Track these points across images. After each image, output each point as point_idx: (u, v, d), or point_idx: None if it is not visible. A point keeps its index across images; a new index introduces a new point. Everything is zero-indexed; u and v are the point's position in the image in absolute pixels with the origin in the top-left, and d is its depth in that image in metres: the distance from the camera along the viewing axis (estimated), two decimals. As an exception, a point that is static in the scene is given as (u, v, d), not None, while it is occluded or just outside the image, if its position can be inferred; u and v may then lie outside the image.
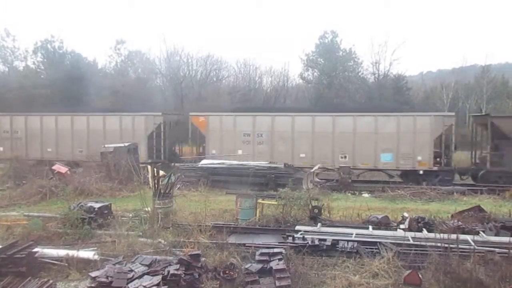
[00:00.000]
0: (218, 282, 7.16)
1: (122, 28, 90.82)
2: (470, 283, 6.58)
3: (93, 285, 6.84)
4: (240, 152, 19.22)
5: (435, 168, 19.34)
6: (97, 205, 10.85)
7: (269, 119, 21.25)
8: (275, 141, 20.95)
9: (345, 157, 20.22)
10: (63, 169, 18.04)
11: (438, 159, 19.73)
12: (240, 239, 9.48)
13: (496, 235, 9.36)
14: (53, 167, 18.17)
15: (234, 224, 10.82)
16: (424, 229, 9.73)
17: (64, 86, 40.84)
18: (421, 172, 19.37)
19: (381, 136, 19.85)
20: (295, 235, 9.27)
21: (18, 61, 47.57)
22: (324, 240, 8.90)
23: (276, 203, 11.62)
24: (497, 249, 7.97)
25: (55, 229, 9.95)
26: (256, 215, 11.36)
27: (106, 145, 19.12)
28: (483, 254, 7.66)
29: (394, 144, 19.69)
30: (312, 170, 18.41)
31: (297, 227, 10.01)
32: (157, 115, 23.02)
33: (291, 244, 8.71)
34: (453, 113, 20.91)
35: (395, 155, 19.69)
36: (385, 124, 19.88)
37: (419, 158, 19.42)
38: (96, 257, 8.08)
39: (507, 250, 7.58)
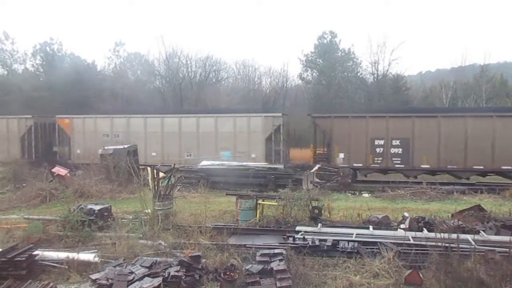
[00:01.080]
0: (218, 283, 7.15)
1: (121, 30, 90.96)
2: (471, 282, 6.58)
3: (93, 287, 6.84)
4: (100, 151, 19.70)
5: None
6: (97, 207, 10.85)
7: (125, 121, 23.37)
8: (130, 141, 21.84)
9: (190, 155, 22.13)
10: (63, 171, 18.03)
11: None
12: (241, 240, 9.48)
13: (496, 234, 9.36)
14: (53, 170, 18.16)
15: (234, 225, 10.82)
16: (424, 228, 9.73)
17: (64, 88, 40.87)
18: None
19: (221, 135, 21.69)
20: (296, 236, 9.27)
21: (17, 64, 47.73)
22: (325, 240, 8.90)
23: (276, 204, 11.62)
24: (497, 248, 7.97)
25: (55, 231, 9.95)
26: (256, 216, 11.36)
27: (105, 147, 19.11)
28: (483, 253, 7.67)
29: (231, 143, 21.49)
30: (312, 171, 18.42)
31: (298, 228, 10.01)
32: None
33: (292, 245, 8.71)
34: (280, 114, 22.10)
35: (233, 152, 21.37)
36: (224, 124, 21.70)
37: (253, 155, 21.14)
38: (96, 259, 8.07)
39: (508, 249, 7.58)
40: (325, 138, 21.06)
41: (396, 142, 19.57)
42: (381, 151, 19.66)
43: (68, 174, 17.92)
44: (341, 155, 19.91)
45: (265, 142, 21.33)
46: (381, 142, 19.62)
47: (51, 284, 7.16)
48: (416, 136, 19.32)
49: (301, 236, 9.20)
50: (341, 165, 19.39)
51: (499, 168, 18.69)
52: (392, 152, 19.61)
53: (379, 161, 19.74)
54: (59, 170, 18.09)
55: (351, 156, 19.82)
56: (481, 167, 18.83)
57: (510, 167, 18.51)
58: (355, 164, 19.81)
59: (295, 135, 26.44)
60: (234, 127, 21.62)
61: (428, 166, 19.29)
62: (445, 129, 19.05)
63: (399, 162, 19.59)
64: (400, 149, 19.52)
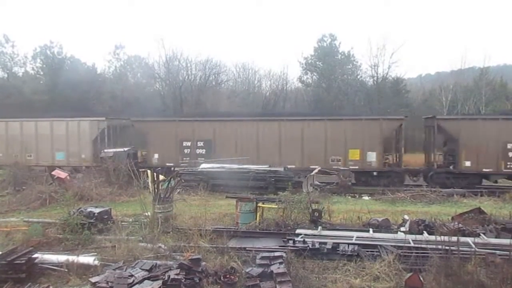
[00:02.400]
0: (219, 286, 7.14)
1: (121, 33, 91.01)
2: (472, 285, 6.57)
3: (93, 290, 6.83)
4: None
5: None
6: (97, 210, 10.84)
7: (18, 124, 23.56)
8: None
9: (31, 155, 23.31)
10: (63, 174, 18.01)
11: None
12: (241, 243, 9.47)
13: (496, 237, 9.36)
14: (53, 172, 18.15)
15: (234, 228, 10.80)
16: (424, 231, 9.72)
17: (64, 91, 40.89)
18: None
19: (56, 138, 22.70)
20: (296, 239, 9.26)
21: (17, 67, 47.68)
22: (325, 243, 8.89)
23: (276, 206, 11.61)
24: (497, 251, 7.97)
25: (55, 234, 9.93)
26: (256, 218, 11.35)
27: (105, 150, 19.12)
28: (484, 256, 7.66)
29: (64, 145, 22.63)
30: (311, 173, 18.41)
31: (298, 231, 10.00)
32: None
33: (292, 248, 8.69)
34: (103, 118, 23.15)
35: (66, 153, 22.64)
36: (59, 127, 22.75)
37: (83, 156, 22.40)
38: (96, 262, 8.06)
39: (508, 252, 7.58)
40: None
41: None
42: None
43: (68, 177, 17.90)
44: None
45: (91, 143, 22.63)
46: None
47: (51, 287, 7.15)
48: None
49: (301, 239, 9.19)
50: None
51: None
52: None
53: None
54: (59, 173, 18.08)
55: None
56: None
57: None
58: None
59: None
60: (66, 130, 22.84)
61: None
62: None
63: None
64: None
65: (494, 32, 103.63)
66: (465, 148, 19.58)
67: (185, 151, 21.68)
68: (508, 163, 19.25)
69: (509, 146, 19.27)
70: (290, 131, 20.90)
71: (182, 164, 21.12)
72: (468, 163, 19.56)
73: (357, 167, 20.19)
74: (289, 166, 19.55)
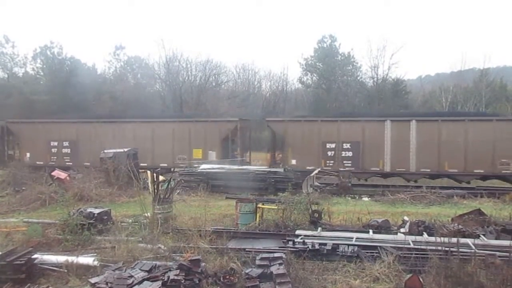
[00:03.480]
0: (218, 287, 7.13)
1: (121, 34, 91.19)
2: (471, 286, 6.57)
3: (92, 291, 6.82)
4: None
5: None
6: (96, 211, 10.82)
7: None
8: None
9: None
10: (63, 174, 18.00)
11: None
12: (240, 244, 9.46)
13: (496, 238, 9.34)
14: (53, 173, 18.14)
15: (234, 229, 10.79)
16: (424, 232, 9.71)
17: (64, 92, 40.93)
18: None
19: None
20: (296, 240, 9.26)
21: (17, 67, 47.75)
22: (325, 244, 8.88)
23: (276, 207, 11.60)
24: (497, 253, 7.96)
25: (54, 235, 9.91)
26: (256, 219, 11.34)
27: (105, 151, 19.10)
28: (484, 257, 7.65)
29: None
30: (312, 174, 18.41)
31: (297, 232, 9.99)
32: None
33: (292, 249, 8.69)
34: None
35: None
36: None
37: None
38: (95, 263, 8.05)
39: (508, 254, 7.57)
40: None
41: None
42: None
43: (67, 178, 17.89)
44: None
45: None
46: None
47: (50, 287, 7.14)
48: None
49: (301, 240, 9.19)
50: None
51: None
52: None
53: None
54: (59, 173, 18.07)
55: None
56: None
57: None
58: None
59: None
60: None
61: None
62: None
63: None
64: None
65: (494, 34, 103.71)
66: (290, 147, 21.22)
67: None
68: (328, 162, 21.00)
69: (328, 146, 20.93)
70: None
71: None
72: (294, 161, 21.05)
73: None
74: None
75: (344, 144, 20.89)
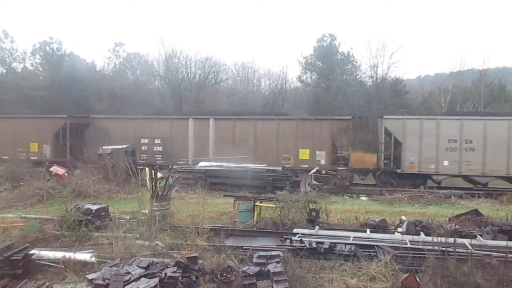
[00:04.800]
0: (215, 284, 7.14)
1: (121, 30, 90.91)
2: (468, 286, 6.59)
3: (89, 287, 6.82)
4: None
5: None
6: (94, 207, 10.82)
7: None
8: None
9: None
10: (61, 170, 17.97)
11: None
12: (238, 242, 9.47)
13: (493, 239, 9.37)
14: (51, 169, 18.11)
15: (231, 227, 10.81)
16: (421, 232, 9.74)
17: (63, 88, 40.84)
18: None
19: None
20: (293, 238, 9.27)
21: (16, 63, 47.56)
22: (322, 243, 8.90)
23: (274, 205, 11.61)
24: (494, 253, 7.99)
25: (52, 231, 9.91)
26: (253, 217, 11.35)
27: (103, 147, 19.09)
28: (480, 258, 7.68)
29: None
30: (310, 173, 18.43)
31: (295, 230, 10.00)
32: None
33: (289, 247, 8.70)
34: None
35: None
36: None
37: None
38: (93, 259, 8.05)
39: (504, 254, 7.60)
40: None
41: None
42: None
43: (65, 174, 17.87)
44: None
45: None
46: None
47: (47, 283, 7.15)
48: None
49: (299, 239, 9.20)
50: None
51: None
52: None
53: None
54: (57, 169, 18.05)
55: None
56: None
57: None
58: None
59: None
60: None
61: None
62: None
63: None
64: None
65: (493, 35, 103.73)
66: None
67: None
68: (142, 155, 22.36)
69: (142, 141, 22.59)
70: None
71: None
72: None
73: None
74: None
75: (156, 140, 22.66)
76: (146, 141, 22.67)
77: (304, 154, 20.96)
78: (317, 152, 20.79)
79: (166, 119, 23.07)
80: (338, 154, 21.51)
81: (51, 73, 43.47)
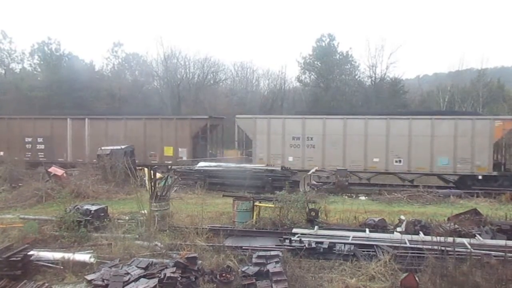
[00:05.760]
0: (214, 285, 7.14)
1: (119, 31, 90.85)
2: (467, 286, 6.59)
3: (89, 288, 6.82)
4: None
5: None
6: (93, 208, 10.81)
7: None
8: None
9: None
10: (60, 171, 17.96)
11: None
12: (237, 242, 9.47)
13: (492, 238, 9.38)
14: (49, 170, 18.10)
15: (231, 227, 10.80)
16: (420, 232, 9.75)
17: (61, 88, 40.77)
18: None
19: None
20: (292, 238, 9.28)
21: (14, 63, 47.51)
22: (321, 243, 8.90)
23: (273, 205, 11.61)
24: (493, 252, 8.00)
25: (51, 232, 9.91)
26: (253, 218, 11.35)
27: (102, 148, 19.08)
28: (479, 257, 7.68)
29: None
30: (309, 173, 18.42)
31: (294, 230, 10.01)
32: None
33: (288, 247, 8.71)
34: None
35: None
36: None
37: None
38: (92, 260, 8.05)
39: (504, 253, 7.61)
40: None
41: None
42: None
43: (64, 174, 17.85)
44: None
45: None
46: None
47: (46, 284, 7.14)
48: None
49: (298, 239, 9.20)
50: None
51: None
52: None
53: None
54: (56, 170, 18.03)
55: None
56: None
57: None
58: None
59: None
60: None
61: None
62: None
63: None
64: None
65: (492, 34, 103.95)
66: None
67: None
68: (26, 153, 24.12)
69: (26, 139, 24.22)
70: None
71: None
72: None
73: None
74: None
75: (38, 138, 24.26)
76: (30, 139, 24.37)
77: (168, 151, 22.80)
78: (179, 149, 22.60)
79: (47, 119, 24.62)
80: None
81: (49, 73, 43.37)
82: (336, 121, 21.05)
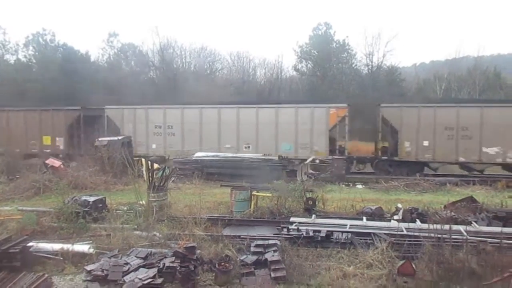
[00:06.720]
0: (213, 274, 7.19)
1: (115, 21, 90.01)
2: (463, 272, 6.66)
3: (88, 278, 6.86)
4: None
5: None
6: (91, 199, 10.82)
7: None
8: None
9: None
10: (57, 163, 17.93)
11: None
12: (235, 231, 9.52)
13: (488, 225, 9.46)
14: (47, 161, 18.06)
15: (229, 217, 10.85)
16: (417, 219, 9.81)
17: (56, 79, 40.48)
18: None
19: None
20: (290, 227, 9.32)
21: (9, 55, 47.14)
22: (319, 231, 8.95)
23: (270, 195, 11.65)
24: (489, 239, 8.08)
25: (49, 223, 9.91)
26: (250, 207, 11.40)
27: (100, 139, 19.03)
28: (475, 244, 7.76)
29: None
30: (306, 162, 18.48)
31: (292, 219, 10.06)
32: None
33: (286, 236, 8.76)
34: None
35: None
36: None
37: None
38: (91, 250, 8.08)
39: (499, 240, 7.68)
40: None
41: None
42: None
43: (61, 166, 17.83)
44: None
45: None
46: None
47: (46, 275, 7.16)
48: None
49: (295, 227, 9.25)
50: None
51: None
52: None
53: None
54: (53, 161, 18.00)
55: None
56: None
57: None
58: None
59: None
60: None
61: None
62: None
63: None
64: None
65: (488, 22, 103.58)
66: None
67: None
68: None
69: None
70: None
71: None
72: None
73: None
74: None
75: None
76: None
77: (47, 140, 23.82)
78: (57, 138, 23.69)
79: None
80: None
81: (44, 65, 43.04)
82: (192, 110, 22.24)
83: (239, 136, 21.42)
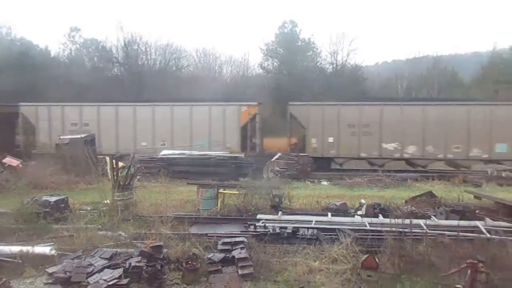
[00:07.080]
0: (180, 272, 7.14)
1: (77, 15, 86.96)
2: (423, 265, 6.93)
3: (50, 281, 6.66)
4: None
5: None
6: (52, 199, 10.49)
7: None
8: None
9: None
10: (15, 162, 17.26)
11: None
12: (202, 229, 9.49)
13: (446, 219, 9.85)
14: (4, 160, 17.34)
15: (195, 215, 10.80)
16: (380, 215, 10.10)
17: (13, 75, 38.73)
18: None
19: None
20: (257, 224, 9.39)
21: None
22: (285, 228, 9.07)
23: (237, 192, 11.68)
24: (447, 232, 8.42)
25: (7, 225, 9.53)
26: (217, 205, 11.39)
27: (61, 137, 18.45)
28: (434, 237, 8.07)
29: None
30: (272, 159, 18.61)
31: (259, 216, 10.13)
32: None
33: (253, 233, 8.82)
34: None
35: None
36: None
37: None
38: (53, 252, 7.81)
39: (456, 233, 8.04)
40: None
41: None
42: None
43: (20, 165, 17.17)
44: None
45: None
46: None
47: (4, 279, 6.89)
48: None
49: (262, 224, 9.32)
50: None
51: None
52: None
53: None
54: (11, 160, 17.30)
55: None
56: None
57: None
58: None
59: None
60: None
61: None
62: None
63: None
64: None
65: (445, 22, 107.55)
66: None
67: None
68: None
69: None
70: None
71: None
72: None
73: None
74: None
75: None
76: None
77: None
78: None
79: None
80: None
81: (0, 60, 41.11)
82: (108, 108, 22.74)
83: (154, 133, 22.01)
